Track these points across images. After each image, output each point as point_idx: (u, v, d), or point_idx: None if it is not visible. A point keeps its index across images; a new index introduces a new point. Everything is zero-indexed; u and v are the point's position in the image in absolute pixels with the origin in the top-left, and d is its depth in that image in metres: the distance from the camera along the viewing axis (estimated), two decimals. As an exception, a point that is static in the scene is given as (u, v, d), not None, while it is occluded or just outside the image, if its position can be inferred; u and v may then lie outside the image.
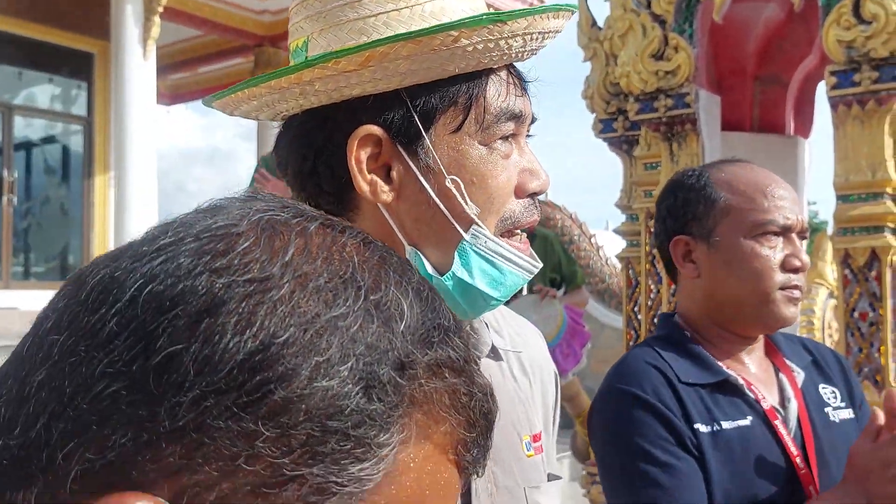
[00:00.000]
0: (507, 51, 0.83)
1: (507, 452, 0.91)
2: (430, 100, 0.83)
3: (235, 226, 0.42)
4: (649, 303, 3.06)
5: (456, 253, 0.84)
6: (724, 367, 1.40)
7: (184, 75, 11.93)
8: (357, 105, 0.82)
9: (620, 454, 1.36)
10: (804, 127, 3.52)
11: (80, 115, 9.51)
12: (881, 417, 1.28)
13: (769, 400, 1.39)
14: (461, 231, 0.83)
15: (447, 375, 0.42)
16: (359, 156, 0.82)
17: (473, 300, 0.85)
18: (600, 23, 3.22)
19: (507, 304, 3.69)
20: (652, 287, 3.05)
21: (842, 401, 1.47)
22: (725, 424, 1.35)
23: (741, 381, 1.39)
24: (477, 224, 0.84)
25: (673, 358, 1.40)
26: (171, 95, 12.31)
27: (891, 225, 2.56)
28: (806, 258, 1.41)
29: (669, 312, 1.56)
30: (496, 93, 0.85)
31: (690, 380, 1.38)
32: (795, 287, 1.40)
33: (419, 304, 0.43)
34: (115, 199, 8.36)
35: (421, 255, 0.85)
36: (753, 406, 1.38)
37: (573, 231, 6.25)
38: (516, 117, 0.86)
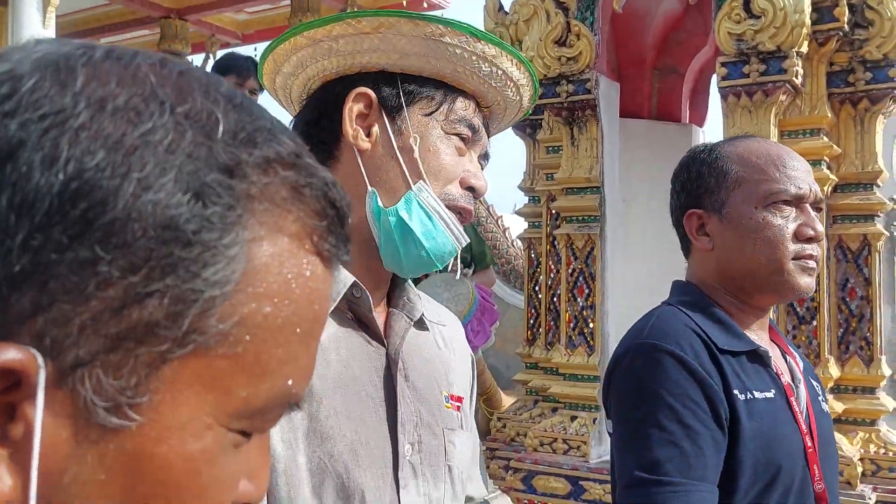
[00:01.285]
0: (476, 73, 1.07)
1: (430, 398, 1.09)
2: (415, 86, 1.07)
3: (16, 68, 0.41)
4: (549, 282, 3.15)
5: (402, 197, 1.05)
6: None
7: (85, 45, 11.47)
8: (358, 78, 1.07)
9: (644, 407, 1.29)
10: (699, 115, 3.67)
11: (-29, 84, 9.04)
12: None
13: (786, 376, 1.40)
14: (411, 182, 1.05)
15: (280, 170, 0.43)
16: (351, 107, 1.06)
17: (408, 246, 1.04)
18: (507, 7, 3.27)
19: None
20: (552, 267, 3.14)
21: (822, 395, 1.50)
22: (757, 394, 1.33)
23: (770, 353, 1.38)
24: (424, 181, 1.05)
25: (705, 323, 1.37)
26: (70, 66, 11.81)
27: (773, 210, 2.70)
28: (820, 228, 1.41)
29: (682, 280, 1.53)
30: (463, 105, 1.09)
31: (725, 346, 1.35)
32: (809, 256, 1.39)
33: (234, 111, 0.44)
34: (9, 172, 8.00)
35: (377, 194, 1.05)
36: (775, 380, 1.38)
37: (481, 212, 6.31)
38: (473, 129, 1.09)
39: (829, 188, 2.72)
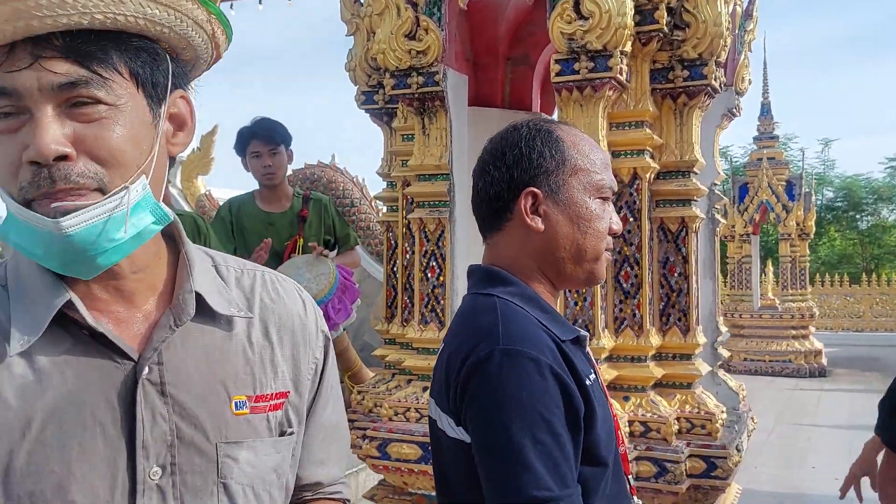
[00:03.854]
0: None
1: (200, 409, 1.00)
2: None
3: None
4: (405, 263, 3.33)
5: None
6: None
7: None
8: None
9: (518, 420, 1.27)
10: (548, 105, 3.91)
11: None
12: None
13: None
14: None
15: None
16: None
17: (45, 254, 0.92)
18: (363, -1, 3.41)
19: (281, 261, 3.80)
20: (408, 249, 3.32)
21: None
22: (591, 377, 1.40)
23: (586, 336, 1.46)
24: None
25: (540, 316, 1.40)
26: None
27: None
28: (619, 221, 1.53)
29: (488, 266, 1.51)
30: None
31: (564, 337, 1.39)
32: (611, 249, 1.50)
33: None
34: None
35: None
36: (590, 360, 1.46)
37: (354, 194, 6.44)
38: (2, 94, 0.88)
39: (652, 175, 3.00)
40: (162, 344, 0.98)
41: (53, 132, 0.88)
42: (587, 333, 1.49)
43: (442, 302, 3.15)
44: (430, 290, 3.18)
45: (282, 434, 1.08)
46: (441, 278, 3.16)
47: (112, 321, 0.99)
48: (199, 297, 1.03)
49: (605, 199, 1.47)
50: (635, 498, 1.56)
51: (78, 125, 0.90)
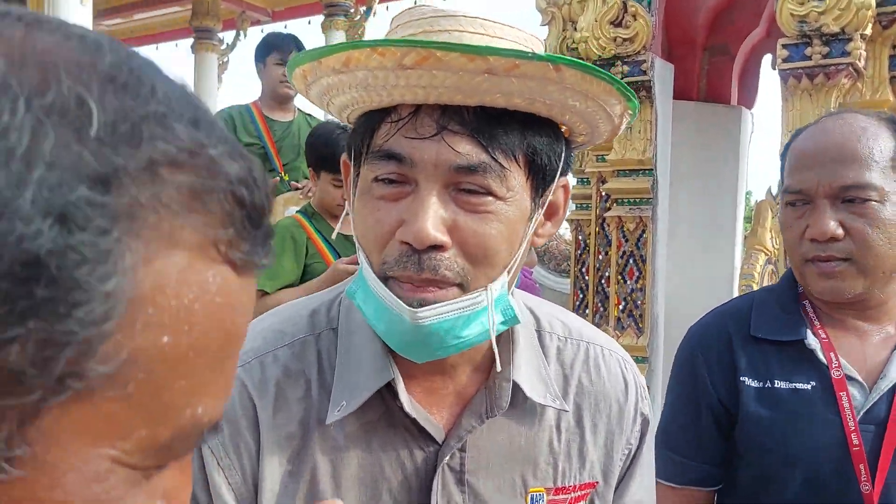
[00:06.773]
0: (382, 86, 0.79)
1: (495, 501, 0.93)
2: (358, 127, 0.87)
3: None
4: (597, 264, 3.15)
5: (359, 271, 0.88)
6: (812, 329, 1.32)
7: (118, 21, 11.52)
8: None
9: (670, 381, 1.47)
10: (748, 97, 3.63)
11: (6, 59, 9.13)
12: None
13: (843, 370, 1.30)
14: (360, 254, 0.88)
15: (169, 175, 0.35)
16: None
17: (388, 331, 0.85)
18: (559, -13, 3.25)
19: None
20: (601, 249, 3.13)
21: None
22: (779, 383, 1.31)
23: (817, 346, 1.31)
24: (362, 251, 0.86)
25: (761, 308, 1.38)
26: (102, 42, 11.88)
27: (831, 195, 2.68)
28: (825, 226, 1.26)
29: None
30: (385, 132, 0.82)
31: (760, 334, 1.34)
32: (819, 258, 1.27)
33: (114, 95, 0.34)
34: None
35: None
36: (822, 371, 1.30)
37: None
38: (394, 158, 0.81)
39: (889, 173, 2.69)
40: (470, 432, 0.92)
41: (435, 217, 0.80)
42: (814, 341, 1.30)
43: (641, 306, 2.94)
44: (627, 294, 2.98)
45: None
46: (640, 282, 2.95)
47: (425, 393, 0.93)
48: (516, 385, 0.93)
49: (792, 203, 1.32)
50: None
51: (460, 212, 0.81)
